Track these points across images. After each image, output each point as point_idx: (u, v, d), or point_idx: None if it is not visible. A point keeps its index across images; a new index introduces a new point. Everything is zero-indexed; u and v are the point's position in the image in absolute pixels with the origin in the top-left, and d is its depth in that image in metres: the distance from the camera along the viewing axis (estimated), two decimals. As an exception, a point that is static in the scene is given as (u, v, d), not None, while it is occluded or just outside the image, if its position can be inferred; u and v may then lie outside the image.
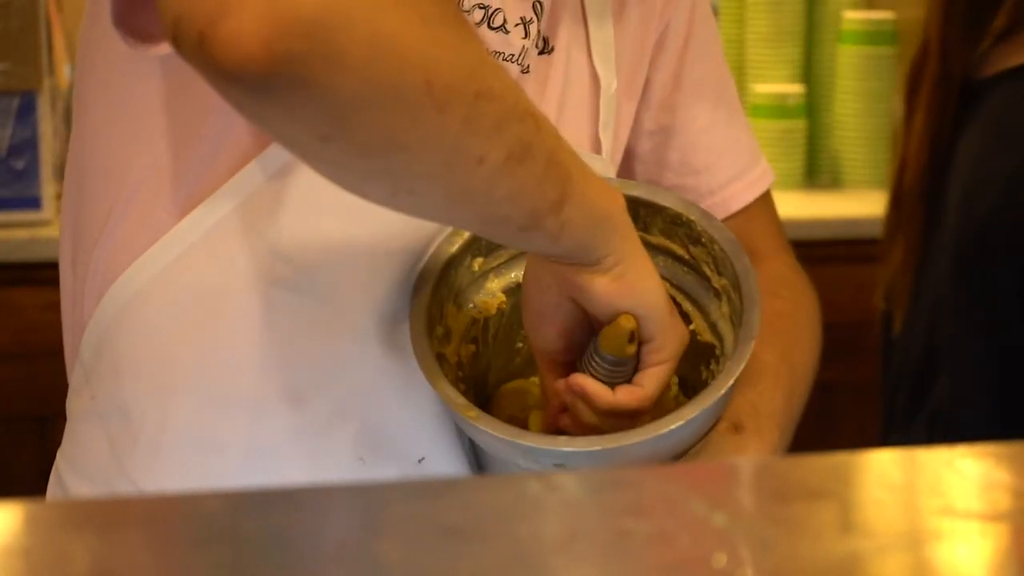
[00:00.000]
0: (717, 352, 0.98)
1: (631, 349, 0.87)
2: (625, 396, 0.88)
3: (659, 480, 0.49)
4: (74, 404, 0.99)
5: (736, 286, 0.95)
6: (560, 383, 0.89)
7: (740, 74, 2.55)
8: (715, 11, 2.60)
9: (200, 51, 0.69)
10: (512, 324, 0.99)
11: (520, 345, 1.00)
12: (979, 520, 0.49)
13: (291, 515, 0.48)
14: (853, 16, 2.45)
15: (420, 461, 0.95)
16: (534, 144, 0.78)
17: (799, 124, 2.45)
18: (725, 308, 0.97)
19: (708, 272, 0.97)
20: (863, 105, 2.44)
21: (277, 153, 0.90)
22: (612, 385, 0.88)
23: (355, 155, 0.75)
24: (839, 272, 2.28)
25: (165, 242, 0.93)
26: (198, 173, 0.92)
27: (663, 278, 0.99)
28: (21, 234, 2.04)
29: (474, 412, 0.88)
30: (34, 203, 2.08)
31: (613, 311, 0.86)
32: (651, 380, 0.88)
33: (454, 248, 0.95)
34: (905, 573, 0.46)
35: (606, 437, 0.87)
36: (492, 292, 0.98)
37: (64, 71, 2.23)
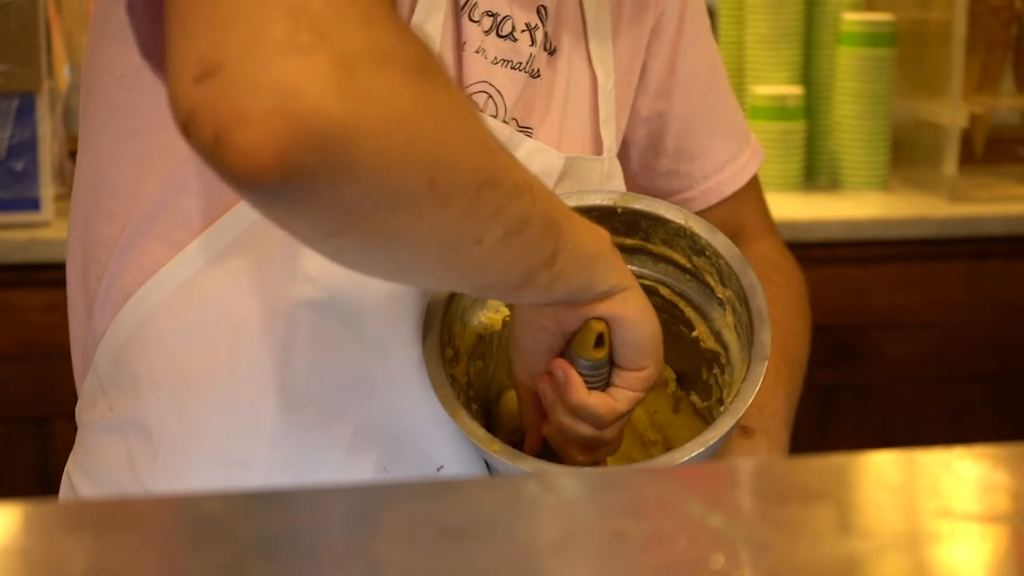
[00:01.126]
0: (722, 360, 0.98)
1: (598, 354, 0.88)
2: (597, 399, 0.89)
3: (656, 481, 0.49)
4: (89, 414, 0.99)
5: (743, 300, 0.95)
6: (544, 374, 0.90)
7: (739, 75, 2.55)
8: (714, 12, 2.60)
9: (213, 153, 0.67)
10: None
11: None
12: (977, 522, 0.49)
13: (289, 516, 0.48)
14: (852, 18, 2.45)
15: (439, 469, 0.95)
16: (531, 215, 0.78)
17: (798, 126, 2.45)
18: (730, 318, 0.97)
19: (711, 282, 0.97)
20: (862, 107, 2.44)
21: None
22: (588, 384, 0.89)
23: (359, 248, 0.76)
24: (838, 274, 2.28)
25: (183, 258, 0.92)
26: (216, 188, 0.91)
27: (664, 284, 1.00)
28: (20, 236, 2.04)
29: (497, 446, 0.90)
30: (33, 205, 2.08)
31: (579, 321, 0.88)
32: (624, 398, 0.89)
33: None
34: (903, 575, 0.46)
35: (625, 468, 0.89)
36: (495, 307, 0.98)
37: (63, 73, 2.23)
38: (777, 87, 2.45)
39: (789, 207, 2.34)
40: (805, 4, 2.48)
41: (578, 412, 0.89)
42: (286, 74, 0.66)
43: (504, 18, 0.97)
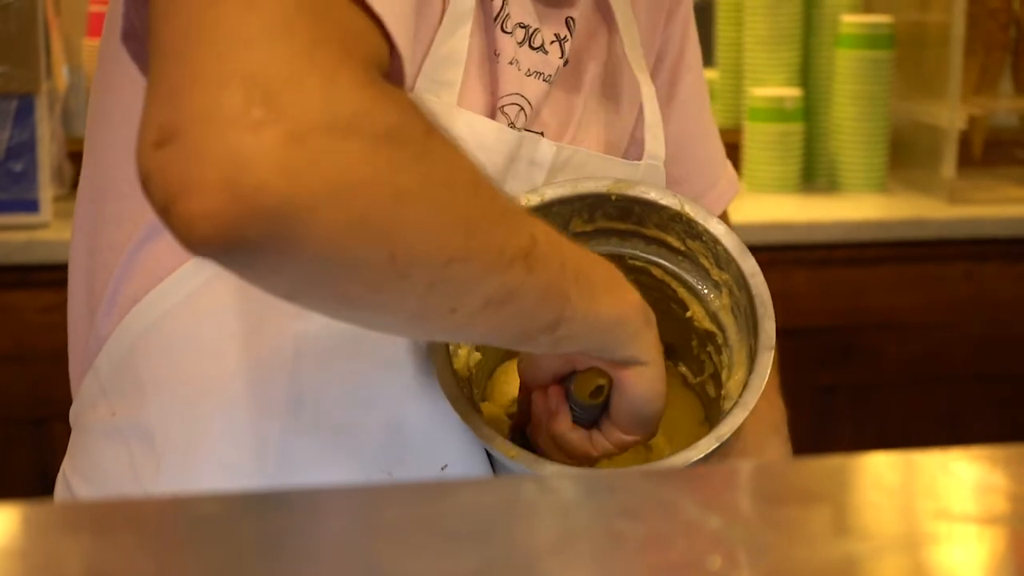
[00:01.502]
0: (719, 340, 0.98)
1: (593, 402, 0.89)
2: (576, 438, 0.90)
3: (653, 483, 0.49)
4: (88, 417, 0.98)
5: (742, 285, 0.95)
6: (540, 391, 0.92)
7: (738, 77, 2.56)
8: (712, 14, 2.60)
9: (164, 216, 0.68)
10: None
11: None
12: (974, 523, 0.49)
13: (287, 517, 0.48)
14: (851, 20, 2.45)
15: (443, 468, 0.95)
16: (522, 287, 0.77)
17: (796, 127, 2.45)
18: (726, 300, 0.97)
19: (707, 264, 0.97)
20: (860, 109, 2.44)
21: None
22: (576, 419, 0.91)
23: (319, 307, 0.76)
24: (836, 275, 2.28)
25: (191, 266, 0.92)
26: None
27: (656, 264, 1.00)
28: (19, 237, 2.04)
29: (515, 451, 0.89)
30: (32, 206, 2.08)
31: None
32: (600, 447, 0.91)
33: None
34: (900, 576, 0.46)
35: (630, 469, 0.90)
36: None
37: (62, 74, 2.23)
38: (775, 89, 2.46)
39: (787, 209, 2.34)
40: (803, 6, 2.48)
41: (555, 440, 0.91)
42: (234, 148, 0.66)
43: (535, 31, 0.97)
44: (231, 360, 0.92)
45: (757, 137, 2.45)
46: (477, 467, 0.96)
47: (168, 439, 0.93)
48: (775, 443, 1.05)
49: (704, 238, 0.96)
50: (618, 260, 1.00)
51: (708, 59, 2.66)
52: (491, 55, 0.95)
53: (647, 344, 0.87)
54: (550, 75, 0.98)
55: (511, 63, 0.96)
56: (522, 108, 0.97)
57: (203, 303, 0.92)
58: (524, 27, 0.96)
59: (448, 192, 0.74)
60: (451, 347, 0.95)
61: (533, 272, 0.77)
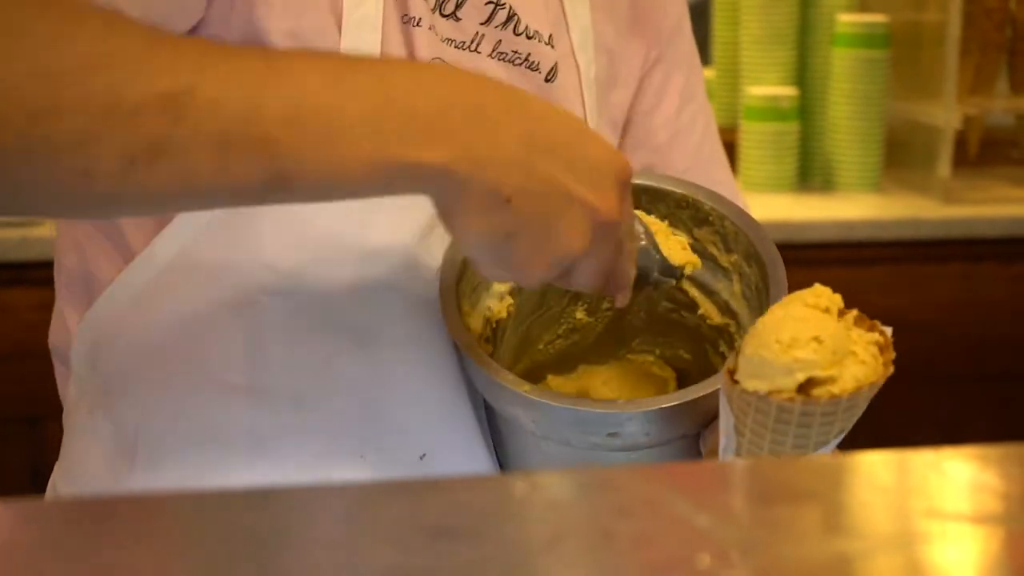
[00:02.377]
0: (731, 329, 0.98)
1: None
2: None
3: (644, 481, 0.49)
4: (71, 416, 0.99)
5: (751, 255, 0.94)
6: None
7: (734, 76, 2.56)
8: (709, 13, 2.60)
9: None
10: (518, 322, 1.00)
11: (541, 347, 1.01)
12: (966, 522, 0.49)
13: (278, 515, 0.48)
14: (846, 19, 2.45)
15: (422, 457, 0.94)
16: (172, 138, 0.70)
17: (792, 127, 2.45)
18: (737, 287, 0.97)
19: (715, 252, 0.97)
20: (856, 108, 2.44)
21: None
22: None
23: None
24: (831, 275, 2.27)
25: (147, 255, 0.92)
26: None
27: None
28: (13, 234, 2.03)
29: (527, 386, 0.88)
30: (27, 203, 2.08)
31: None
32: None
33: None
34: (891, 575, 0.46)
35: (665, 397, 0.87)
36: (500, 294, 0.98)
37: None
38: (771, 88, 2.46)
39: (783, 208, 2.34)
40: (799, 5, 2.49)
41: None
42: None
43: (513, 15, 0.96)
44: (194, 347, 0.92)
45: (753, 136, 2.45)
46: (457, 457, 0.95)
47: (139, 432, 0.93)
48: None
49: (711, 219, 0.96)
50: None
51: (704, 58, 2.66)
52: (407, 19, 0.94)
53: (443, 175, 0.74)
54: (463, 42, 0.96)
55: (430, 28, 0.95)
56: None
57: (162, 292, 0.92)
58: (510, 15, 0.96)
59: (19, 40, 0.69)
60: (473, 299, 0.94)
61: (183, 120, 0.70)
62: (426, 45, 0.94)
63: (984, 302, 2.34)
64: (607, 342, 1.03)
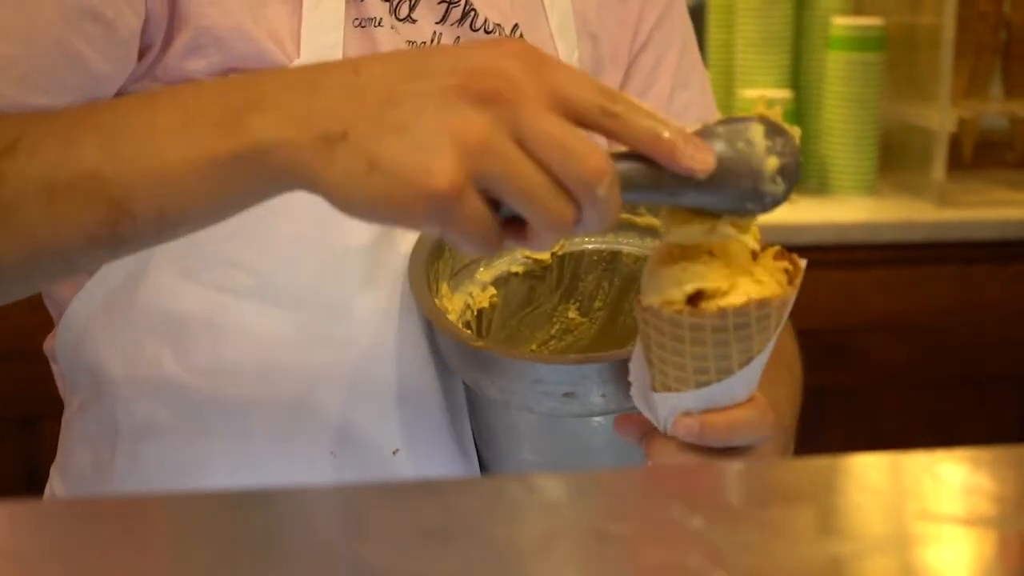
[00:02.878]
0: None
1: None
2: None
3: (637, 483, 0.49)
4: (67, 414, 1.00)
5: None
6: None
7: (729, 79, 2.56)
8: (704, 15, 2.61)
9: None
10: (505, 316, 0.99)
11: (535, 347, 1.01)
12: (959, 524, 0.49)
13: (270, 517, 0.48)
14: (841, 22, 2.46)
15: (394, 453, 0.94)
16: (1, 200, 0.71)
17: (787, 129, 2.45)
18: None
19: None
20: (851, 111, 2.45)
21: None
22: None
23: None
24: (826, 278, 2.28)
25: (105, 272, 0.93)
26: None
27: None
28: (8, 235, 2.03)
29: (481, 342, 0.87)
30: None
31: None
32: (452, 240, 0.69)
33: None
34: (884, 577, 0.46)
35: (617, 352, 0.85)
36: (483, 283, 0.98)
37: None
38: (766, 90, 2.46)
39: (777, 210, 2.34)
40: (795, 8, 2.49)
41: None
42: None
43: (399, 2, 0.96)
44: (167, 342, 0.92)
45: (748, 139, 2.45)
46: (431, 454, 0.95)
47: (118, 427, 0.94)
48: (784, 376, 1.02)
49: None
50: (616, 257, 1.00)
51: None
52: (363, 22, 0.94)
53: (282, 156, 0.67)
54: (423, 42, 0.96)
55: (392, 28, 0.95)
56: None
57: (137, 288, 0.92)
58: (386, 0, 0.95)
59: None
60: (437, 302, 0.93)
61: (5, 181, 0.70)
62: (389, 45, 0.94)
63: (979, 305, 2.35)
64: (603, 344, 1.03)
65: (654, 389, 0.79)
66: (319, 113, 0.66)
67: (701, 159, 0.68)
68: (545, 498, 0.48)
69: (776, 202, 0.71)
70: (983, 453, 0.55)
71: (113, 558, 0.46)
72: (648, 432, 0.83)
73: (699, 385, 0.77)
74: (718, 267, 0.75)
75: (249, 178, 0.69)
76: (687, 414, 0.79)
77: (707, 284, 0.75)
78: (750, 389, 0.80)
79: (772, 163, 0.71)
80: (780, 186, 0.71)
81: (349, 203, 0.67)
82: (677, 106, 1.10)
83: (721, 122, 0.71)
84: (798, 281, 0.78)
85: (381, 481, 0.91)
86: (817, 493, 0.52)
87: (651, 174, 0.68)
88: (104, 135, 0.71)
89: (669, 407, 0.79)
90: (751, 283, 0.76)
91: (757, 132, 0.71)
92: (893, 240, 2.29)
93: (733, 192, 0.69)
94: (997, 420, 2.40)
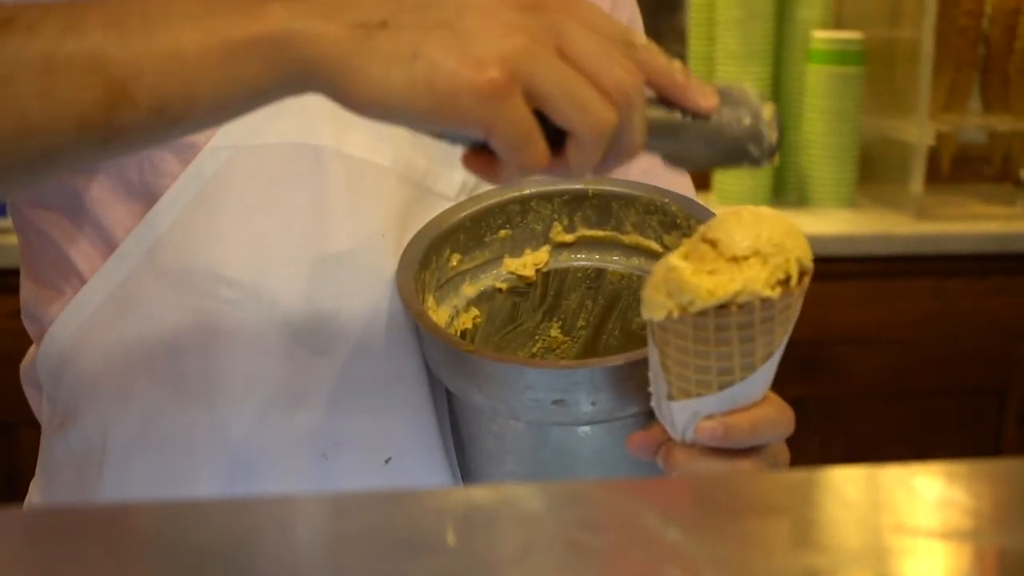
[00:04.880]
0: None
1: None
2: (505, 172, 0.68)
3: (613, 494, 0.49)
4: (46, 429, 0.99)
5: None
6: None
7: (709, 91, 2.57)
8: (686, 30, 2.61)
9: None
10: (488, 333, 0.99)
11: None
12: (934, 538, 0.49)
13: (249, 525, 0.48)
14: (821, 36, 2.47)
15: (387, 462, 0.94)
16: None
17: (767, 142, 2.46)
18: None
19: None
20: (831, 124, 2.46)
21: (187, 186, 0.90)
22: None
23: None
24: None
25: (110, 265, 0.92)
26: (135, 185, 0.92)
27: (638, 277, 0.99)
28: (-14, 241, 2.03)
29: (470, 346, 0.87)
30: (1, 210, 2.07)
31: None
32: (496, 144, 0.66)
33: (435, 234, 0.94)
34: (859, 589, 0.46)
35: (609, 358, 0.84)
36: (466, 301, 0.98)
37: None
38: (746, 103, 2.47)
39: (757, 223, 2.35)
40: (775, 21, 2.50)
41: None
42: None
43: None
44: (157, 357, 0.92)
45: (727, 151, 2.46)
46: (421, 462, 0.95)
47: (106, 443, 0.93)
48: None
49: (678, 221, 0.96)
50: (601, 275, 1.00)
51: (680, 73, 2.67)
52: None
53: (309, 42, 0.65)
54: None
55: None
56: None
57: (124, 303, 0.92)
58: None
59: None
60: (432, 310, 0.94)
61: (1, 52, 0.67)
62: None
63: (955, 318, 2.36)
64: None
65: (671, 398, 0.79)
66: (353, 6, 0.64)
67: (707, 97, 0.71)
68: (521, 508, 0.48)
69: (772, 151, 0.73)
70: (959, 467, 0.55)
71: (89, 567, 0.46)
72: (665, 444, 0.82)
73: (722, 387, 0.78)
74: (724, 264, 0.75)
75: (264, 67, 0.66)
76: (709, 417, 0.79)
77: (730, 286, 0.75)
78: (766, 386, 0.80)
79: (769, 108, 0.73)
80: (775, 132, 0.73)
81: (385, 91, 0.63)
82: None
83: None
84: (810, 263, 0.79)
85: (358, 490, 0.91)
86: (793, 506, 0.52)
87: (664, 114, 0.71)
88: (111, 18, 0.67)
89: (689, 414, 0.79)
90: (760, 270, 0.76)
91: (748, 88, 0.74)
92: (871, 253, 2.31)
93: (737, 131, 0.72)
94: (973, 433, 2.41)
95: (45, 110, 0.67)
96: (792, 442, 0.87)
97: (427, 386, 0.95)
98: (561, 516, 0.48)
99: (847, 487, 0.54)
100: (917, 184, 2.41)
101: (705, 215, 0.95)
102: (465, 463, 0.97)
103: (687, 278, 0.74)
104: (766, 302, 0.75)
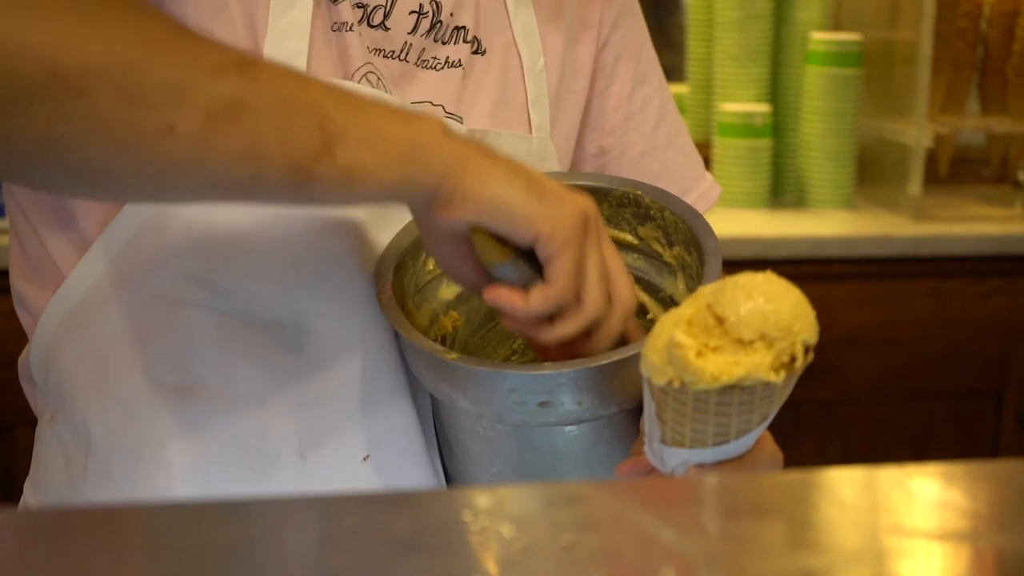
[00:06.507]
0: None
1: (501, 256, 0.82)
2: (537, 298, 0.82)
3: (609, 495, 0.49)
4: (40, 425, 0.99)
5: (691, 242, 0.94)
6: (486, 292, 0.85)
7: (708, 93, 2.57)
8: (685, 30, 2.62)
9: None
10: (468, 334, 0.99)
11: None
12: (930, 539, 0.49)
13: (243, 527, 0.48)
14: (820, 37, 2.47)
15: (364, 459, 0.94)
16: (248, 97, 0.73)
17: (765, 143, 2.46)
18: (681, 284, 0.97)
19: (659, 248, 0.97)
20: (829, 125, 2.46)
21: None
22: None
23: (8, 156, 0.71)
24: (803, 291, 2.29)
25: (87, 261, 0.93)
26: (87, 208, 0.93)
27: None
28: (-17, 241, 2.02)
29: (454, 354, 0.87)
30: (0, 210, 2.07)
31: (461, 232, 0.82)
32: (555, 273, 0.81)
33: (410, 240, 0.94)
34: (855, 591, 0.46)
35: (592, 358, 0.84)
36: (445, 305, 0.98)
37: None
38: (745, 105, 2.47)
39: (755, 224, 2.35)
40: (773, 23, 2.50)
41: (531, 322, 0.84)
42: None
43: (375, 8, 0.97)
44: (136, 353, 0.92)
45: (726, 152, 2.46)
46: (400, 459, 0.95)
47: (91, 437, 0.94)
48: None
49: (652, 213, 0.96)
50: None
51: (679, 74, 2.68)
52: (336, 26, 0.95)
53: (464, 147, 0.80)
54: (392, 51, 0.97)
55: (359, 35, 0.96)
56: (380, 78, 0.96)
57: (102, 301, 0.93)
58: (362, 6, 0.96)
59: (101, 4, 0.71)
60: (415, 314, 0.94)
61: (256, 81, 0.74)
62: (358, 49, 0.95)
63: (953, 319, 2.36)
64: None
65: (664, 442, 0.79)
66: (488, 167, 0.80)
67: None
68: (516, 509, 0.48)
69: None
70: (956, 468, 0.55)
71: (82, 568, 0.46)
72: (650, 474, 0.83)
73: (717, 444, 0.78)
74: (729, 344, 0.75)
75: (422, 173, 0.79)
76: (700, 466, 0.79)
77: (735, 370, 0.75)
78: (759, 436, 0.80)
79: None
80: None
81: (498, 196, 0.79)
82: (637, 101, 1.12)
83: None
84: (815, 340, 0.79)
85: (352, 491, 0.90)
86: (789, 507, 0.52)
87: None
88: (330, 88, 0.77)
89: (681, 459, 0.79)
90: (766, 355, 0.75)
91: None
92: (869, 254, 2.31)
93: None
94: (970, 434, 2.41)
95: (274, 143, 0.74)
96: (789, 443, 0.88)
97: (404, 383, 0.95)
98: (556, 516, 0.48)
99: (844, 488, 0.54)
100: (915, 186, 2.41)
101: (679, 206, 0.95)
102: (449, 466, 0.97)
103: (691, 360, 0.74)
104: (769, 385, 0.75)
